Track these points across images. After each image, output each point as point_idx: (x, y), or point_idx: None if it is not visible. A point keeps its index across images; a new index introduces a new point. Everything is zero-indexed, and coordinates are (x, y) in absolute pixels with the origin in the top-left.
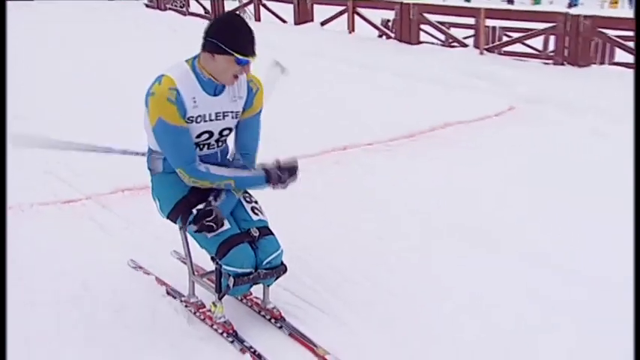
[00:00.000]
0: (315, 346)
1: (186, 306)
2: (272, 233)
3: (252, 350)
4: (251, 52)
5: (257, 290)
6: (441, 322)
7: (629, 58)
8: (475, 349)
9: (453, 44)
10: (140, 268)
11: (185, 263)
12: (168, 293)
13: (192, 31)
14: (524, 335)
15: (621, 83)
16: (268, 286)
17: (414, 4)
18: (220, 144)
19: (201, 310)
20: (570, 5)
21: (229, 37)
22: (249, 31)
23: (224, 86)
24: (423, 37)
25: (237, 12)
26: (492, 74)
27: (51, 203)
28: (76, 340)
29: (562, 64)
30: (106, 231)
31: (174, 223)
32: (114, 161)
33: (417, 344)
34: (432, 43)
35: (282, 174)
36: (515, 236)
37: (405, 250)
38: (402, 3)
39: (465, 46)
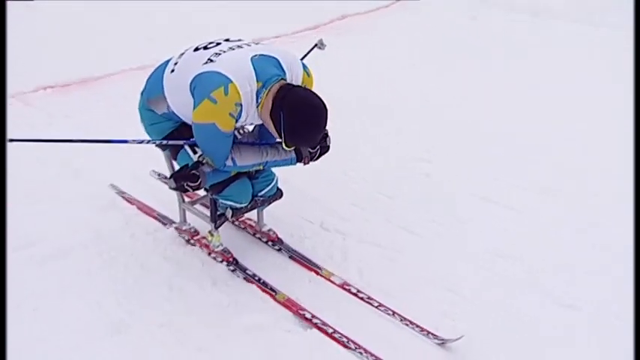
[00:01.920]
0: (319, 268)
1: (179, 234)
2: None
3: (257, 278)
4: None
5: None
6: None
7: None
8: None
9: None
10: (122, 192)
11: (168, 185)
12: (167, 225)
13: None
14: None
15: None
16: (262, 209)
17: None
18: None
19: (195, 238)
20: None
21: (292, 137)
22: (311, 143)
23: None
24: None
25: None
26: None
27: None
28: None
29: None
30: (32, 127)
31: (162, 151)
32: (34, 59)
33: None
34: None
35: (314, 150)
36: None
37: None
38: None
39: None
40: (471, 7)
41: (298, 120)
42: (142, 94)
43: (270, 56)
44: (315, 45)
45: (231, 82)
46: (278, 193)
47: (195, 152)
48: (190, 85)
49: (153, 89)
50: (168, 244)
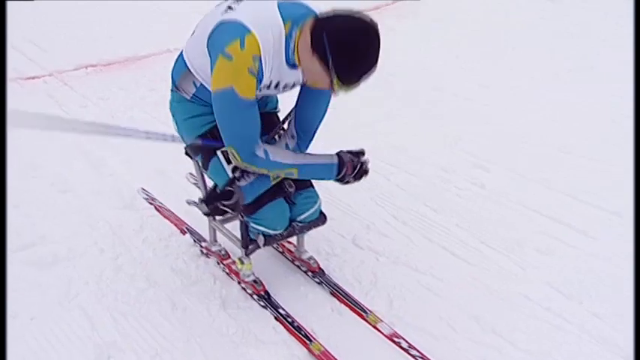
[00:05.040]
0: (364, 312)
1: (207, 255)
2: (311, 185)
3: (290, 320)
4: (353, 86)
5: None
6: None
7: None
8: None
9: None
10: (152, 199)
11: (200, 210)
12: (183, 233)
13: None
14: None
15: None
16: (303, 234)
17: None
18: None
19: (225, 262)
20: None
21: (343, 59)
22: (371, 65)
23: None
24: None
25: None
26: None
27: (12, 79)
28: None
29: None
30: (63, 109)
31: (192, 158)
32: (81, 37)
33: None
34: None
35: (356, 159)
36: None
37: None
38: None
39: None
40: None
41: (348, 35)
42: (171, 90)
43: (300, 3)
44: None
45: (250, 32)
46: (321, 219)
47: (229, 162)
48: (208, 42)
49: (177, 69)
50: (181, 253)
